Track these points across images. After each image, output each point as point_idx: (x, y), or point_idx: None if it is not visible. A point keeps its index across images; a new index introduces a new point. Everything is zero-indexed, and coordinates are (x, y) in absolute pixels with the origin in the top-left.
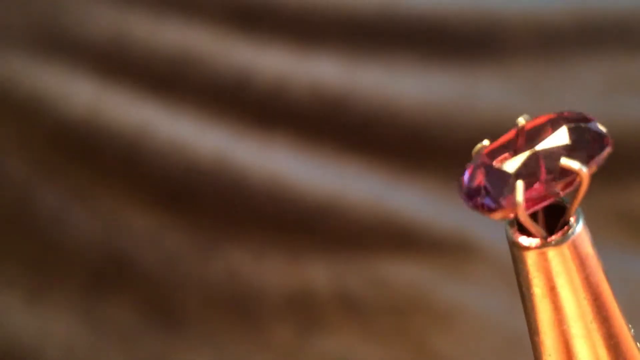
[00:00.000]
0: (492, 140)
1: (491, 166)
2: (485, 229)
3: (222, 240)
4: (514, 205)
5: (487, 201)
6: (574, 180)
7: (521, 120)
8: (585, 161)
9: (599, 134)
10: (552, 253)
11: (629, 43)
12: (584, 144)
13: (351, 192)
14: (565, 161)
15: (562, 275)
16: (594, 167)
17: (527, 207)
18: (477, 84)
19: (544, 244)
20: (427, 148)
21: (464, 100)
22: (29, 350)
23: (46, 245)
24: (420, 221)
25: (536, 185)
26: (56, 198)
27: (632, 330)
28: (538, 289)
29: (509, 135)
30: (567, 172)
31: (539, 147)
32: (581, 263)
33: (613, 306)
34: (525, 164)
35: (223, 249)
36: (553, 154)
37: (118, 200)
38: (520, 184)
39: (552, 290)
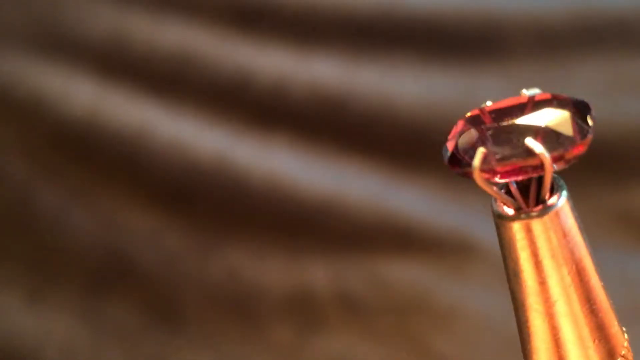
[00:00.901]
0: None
1: (470, 131)
2: (485, 228)
3: (222, 240)
4: (471, 169)
5: (457, 163)
6: (540, 162)
7: (525, 92)
8: (556, 147)
9: (582, 128)
10: (533, 224)
11: (629, 43)
12: (560, 131)
13: (351, 192)
14: (529, 142)
15: (544, 248)
16: (560, 154)
17: (502, 177)
18: (477, 83)
19: (520, 215)
20: (427, 148)
21: (463, 100)
22: (29, 349)
23: (46, 245)
24: (420, 221)
25: (513, 160)
26: (56, 198)
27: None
28: (521, 262)
29: (513, 101)
30: (533, 153)
31: (519, 121)
32: (564, 236)
33: (595, 280)
34: (497, 135)
35: (223, 249)
36: (527, 132)
37: (118, 200)
38: (480, 151)
39: (536, 264)
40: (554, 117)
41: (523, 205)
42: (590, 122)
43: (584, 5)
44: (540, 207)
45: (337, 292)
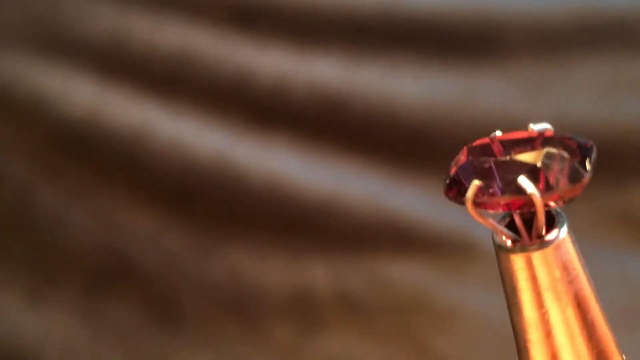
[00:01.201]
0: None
1: (472, 162)
2: (485, 229)
3: (222, 240)
4: (464, 201)
5: (454, 193)
6: (529, 201)
7: (533, 127)
8: (552, 187)
9: (578, 172)
10: (532, 257)
11: (629, 43)
12: (557, 173)
13: (351, 192)
14: (522, 180)
15: (543, 281)
16: (553, 195)
17: (494, 209)
18: (477, 83)
19: (517, 248)
20: (427, 148)
21: (463, 100)
22: (29, 349)
23: (46, 245)
24: (420, 221)
25: (506, 195)
26: (56, 198)
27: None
28: (520, 294)
29: (522, 134)
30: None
31: (518, 157)
32: (564, 269)
33: (596, 311)
34: (498, 167)
35: (223, 249)
36: (526, 168)
37: (118, 199)
38: (474, 184)
39: (535, 296)
40: (554, 157)
41: (525, 237)
42: (588, 166)
43: (584, 5)
44: (538, 240)
45: (337, 292)
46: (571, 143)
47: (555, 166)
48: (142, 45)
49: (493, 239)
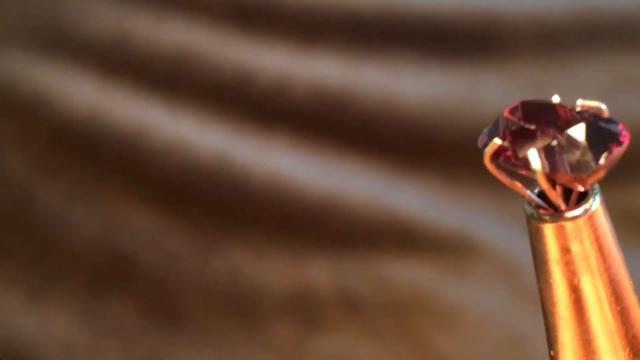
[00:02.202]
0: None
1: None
2: (487, 227)
3: (223, 239)
4: (534, 171)
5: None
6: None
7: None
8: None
9: (587, 163)
10: (567, 225)
11: (630, 42)
12: (567, 158)
13: (352, 191)
14: (531, 154)
15: (577, 248)
16: (559, 180)
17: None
18: (478, 82)
19: (557, 216)
20: (429, 147)
21: (465, 98)
22: (29, 349)
23: (46, 244)
24: (421, 220)
25: (517, 163)
26: (57, 197)
27: None
28: (554, 264)
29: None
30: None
31: (541, 130)
32: (597, 239)
33: (631, 294)
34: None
35: (223, 248)
36: (537, 143)
37: (118, 199)
38: (494, 142)
39: (567, 266)
40: (572, 142)
41: (549, 206)
42: (602, 160)
43: (585, 4)
44: (563, 211)
45: (338, 291)
46: (606, 131)
47: (569, 151)
48: (143, 44)
49: (526, 211)
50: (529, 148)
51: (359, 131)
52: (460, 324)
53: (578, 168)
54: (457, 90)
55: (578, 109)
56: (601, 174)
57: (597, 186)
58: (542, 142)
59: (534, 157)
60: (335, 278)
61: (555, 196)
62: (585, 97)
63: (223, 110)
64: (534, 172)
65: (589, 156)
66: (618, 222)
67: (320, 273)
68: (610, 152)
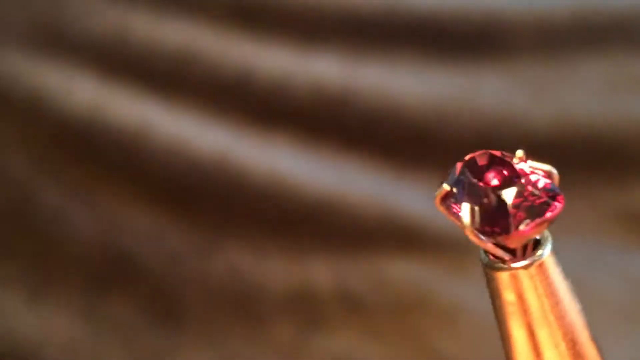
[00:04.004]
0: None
1: (471, 182)
2: None
3: (223, 238)
4: (464, 225)
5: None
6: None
7: (519, 154)
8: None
9: (506, 224)
10: (520, 274)
11: (631, 42)
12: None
13: (352, 190)
14: (463, 208)
15: (530, 296)
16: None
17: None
18: (478, 82)
19: (505, 266)
20: (429, 146)
21: (465, 98)
22: (30, 348)
23: (47, 244)
24: (422, 219)
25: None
26: (57, 196)
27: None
28: (509, 309)
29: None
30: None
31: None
32: (548, 287)
33: (583, 335)
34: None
35: (224, 247)
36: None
37: (119, 198)
38: (443, 187)
39: (523, 311)
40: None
41: (500, 256)
42: (514, 227)
43: (586, 3)
44: (512, 258)
45: (338, 290)
46: (537, 198)
47: (496, 211)
48: (143, 42)
49: (481, 258)
50: (464, 201)
51: (359, 130)
52: (460, 323)
53: (501, 229)
54: (458, 89)
55: (530, 168)
56: (524, 239)
57: (548, 235)
58: (475, 199)
59: (465, 211)
60: (336, 277)
61: (493, 248)
62: (585, 97)
63: (223, 109)
64: (463, 226)
65: (509, 220)
66: (619, 221)
67: (320, 272)
68: (532, 220)
